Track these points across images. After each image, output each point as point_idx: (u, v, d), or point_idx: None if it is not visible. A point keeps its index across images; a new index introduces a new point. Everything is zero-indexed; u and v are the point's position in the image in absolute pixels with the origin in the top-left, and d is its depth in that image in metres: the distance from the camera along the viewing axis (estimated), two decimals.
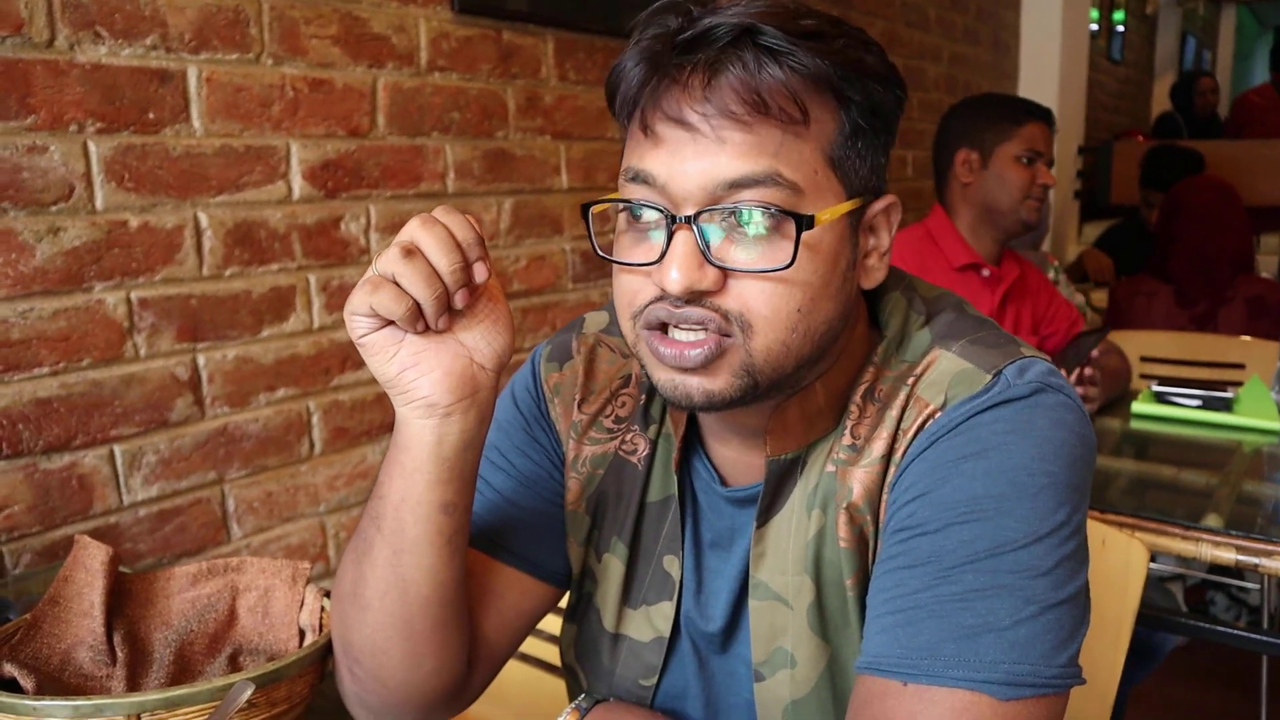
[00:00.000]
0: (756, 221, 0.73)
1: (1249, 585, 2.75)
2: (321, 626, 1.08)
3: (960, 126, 2.29)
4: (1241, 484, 1.77)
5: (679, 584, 0.92)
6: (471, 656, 0.91)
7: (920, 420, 0.78)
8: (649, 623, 0.93)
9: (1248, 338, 2.77)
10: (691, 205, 0.73)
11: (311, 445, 1.99)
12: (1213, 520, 1.58)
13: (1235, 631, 1.86)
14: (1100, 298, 3.75)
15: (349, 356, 2.02)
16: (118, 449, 1.66)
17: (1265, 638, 1.83)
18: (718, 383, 0.77)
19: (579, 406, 0.97)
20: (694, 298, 0.74)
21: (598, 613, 0.95)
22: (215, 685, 0.92)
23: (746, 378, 0.77)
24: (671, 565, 0.93)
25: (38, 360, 1.55)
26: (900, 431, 0.79)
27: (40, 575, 1.54)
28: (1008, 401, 0.74)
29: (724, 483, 0.92)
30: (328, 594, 1.12)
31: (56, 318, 1.56)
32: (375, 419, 2.10)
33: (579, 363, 0.97)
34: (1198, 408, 2.13)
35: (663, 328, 0.77)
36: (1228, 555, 1.52)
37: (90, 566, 1.10)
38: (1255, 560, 1.49)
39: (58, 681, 1.04)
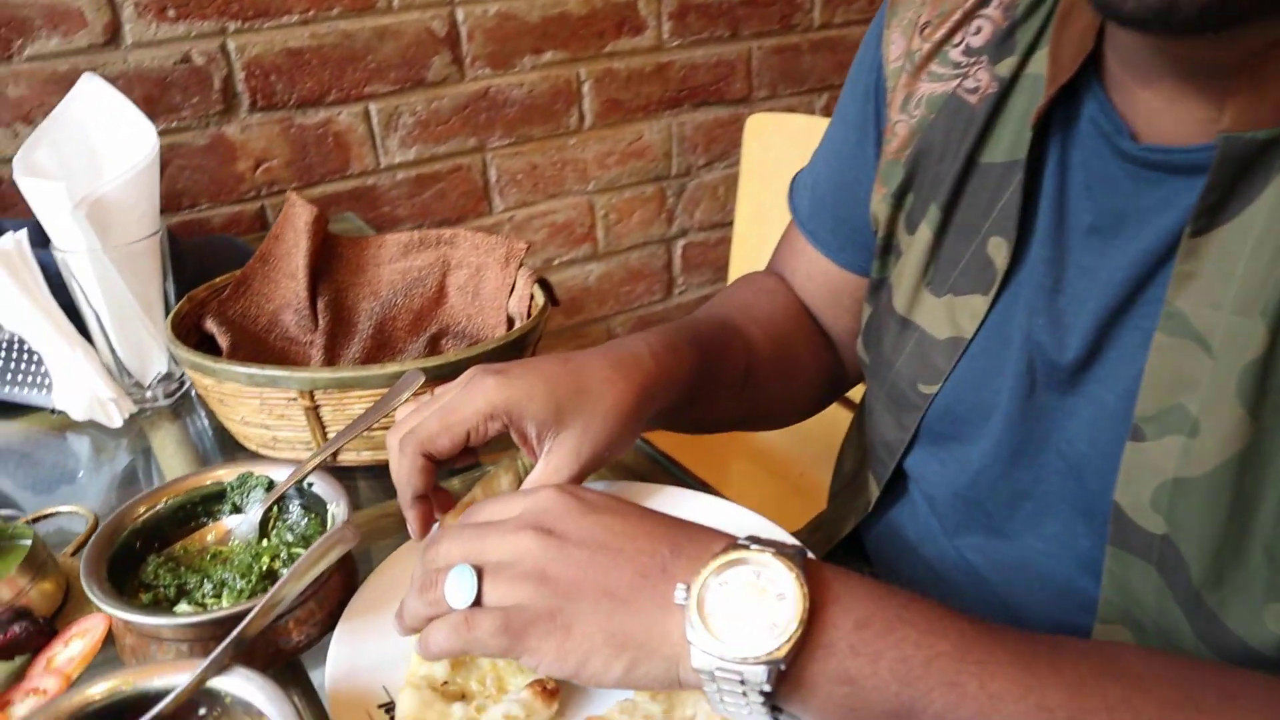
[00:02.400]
0: None
1: None
2: (530, 313, 0.95)
3: None
4: None
5: (1000, 276, 0.66)
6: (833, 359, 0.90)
7: None
8: (949, 317, 0.70)
9: None
10: None
11: (581, 117, 1.82)
12: None
13: None
14: None
15: (625, 20, 1.79)
16: (373, 107, 1.57)
17: None
18: None
19: (920, 31, 0.72)
20: None
21: (891, 291, 0.75)
22: (388, 371, 0.81)
23: None
24: (998, 250, 0.67)
25: (286, 7, 1.45)
26: None
27: None
28: None
29: (1135, 137, 0.61)
30: (540, 280, 0.98)
31: None
32: (654, 93, 1.89)
33: None
34: None
35: None
36: None
37: (297, 226, 1.02)
38: None
39: (262, 343, 0.99)
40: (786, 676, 0.49)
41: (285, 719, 0.53)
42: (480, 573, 0.55)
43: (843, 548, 0.92)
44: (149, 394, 1.00)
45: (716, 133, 1.98)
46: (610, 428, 0.67)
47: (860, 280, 0.85)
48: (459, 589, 0.55)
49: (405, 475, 0.66)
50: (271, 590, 0.57)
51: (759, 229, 1.76)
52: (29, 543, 0.72)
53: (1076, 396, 0.63)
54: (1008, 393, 0.67)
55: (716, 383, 0.79)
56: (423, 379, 0.79)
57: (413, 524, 0.68)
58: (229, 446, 0.94)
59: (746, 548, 0.52)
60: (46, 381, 0.98)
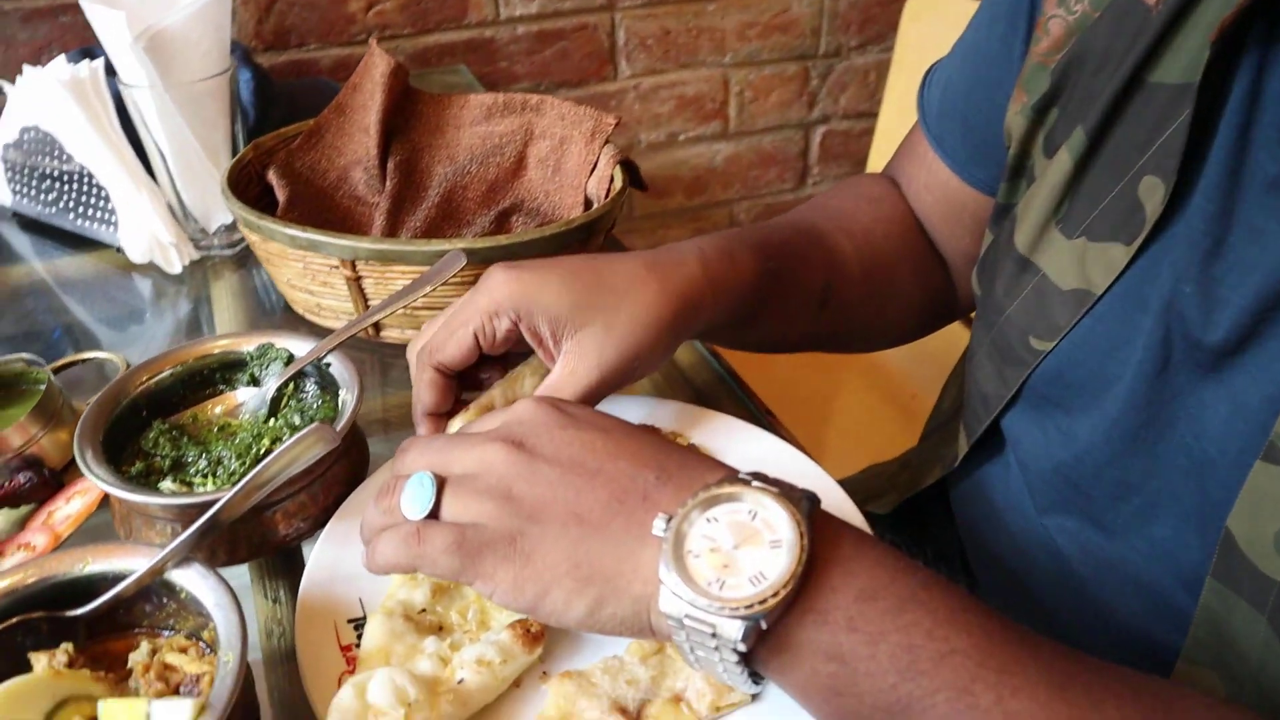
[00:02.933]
0: None
1: None
2: (609, 194, 0.85)
3: None
4: None
5: (1149, 225, 0.53)
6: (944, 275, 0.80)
7: None
8: (1078, 264, 0.58)
9: None
10: None
11: None
12: None
13: None
14: None
15: None
16: None
17: None
18: None
19: None
20: None
21: (1015, 223, 0.63)
22: (431, 248, 0.75)
23: None
24: (1151, 193, 0.53)
25: None
26: None
27: None
28: None
29: None
30: (624, 161, 0.88)
31: None
32: None
33: None
34: None
35: None
36: None
37: (374, 77, 0.95)
38: None
39: (327, 199, 0.93)
40: (767, 638, 0.41)
41: (226, 633, 0.48)
42: (442, 485, 0.49)
43: (927, 498, 0.82)
44: (213, 242, 0.97)
45: (874, 11, 1.80)
46: (638, 333, 0.58)
47: (985, 200, 0.72)
48: (414, 498, 0.49)
49: (416, 391, 0.60)
50: (234, 489, 0.52)
51: (907, 123, 1.59)
52: (44, 388, 0.69)
53: (1216, 386, 0.50)
54: (1134, 366, 0.55)
55: (786, 298, 0.69)
56: (464, 261, 0.72)
57: (418, 415, 0.62)
58: (289, 307, 0.89)
59: (746, 483, 0.44)
60: (113, 219, 0.95)
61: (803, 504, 0.42)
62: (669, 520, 0.43)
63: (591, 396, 0.58)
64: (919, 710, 0.40)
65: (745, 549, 0.42)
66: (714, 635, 0.41)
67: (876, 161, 1.55)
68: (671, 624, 0.42)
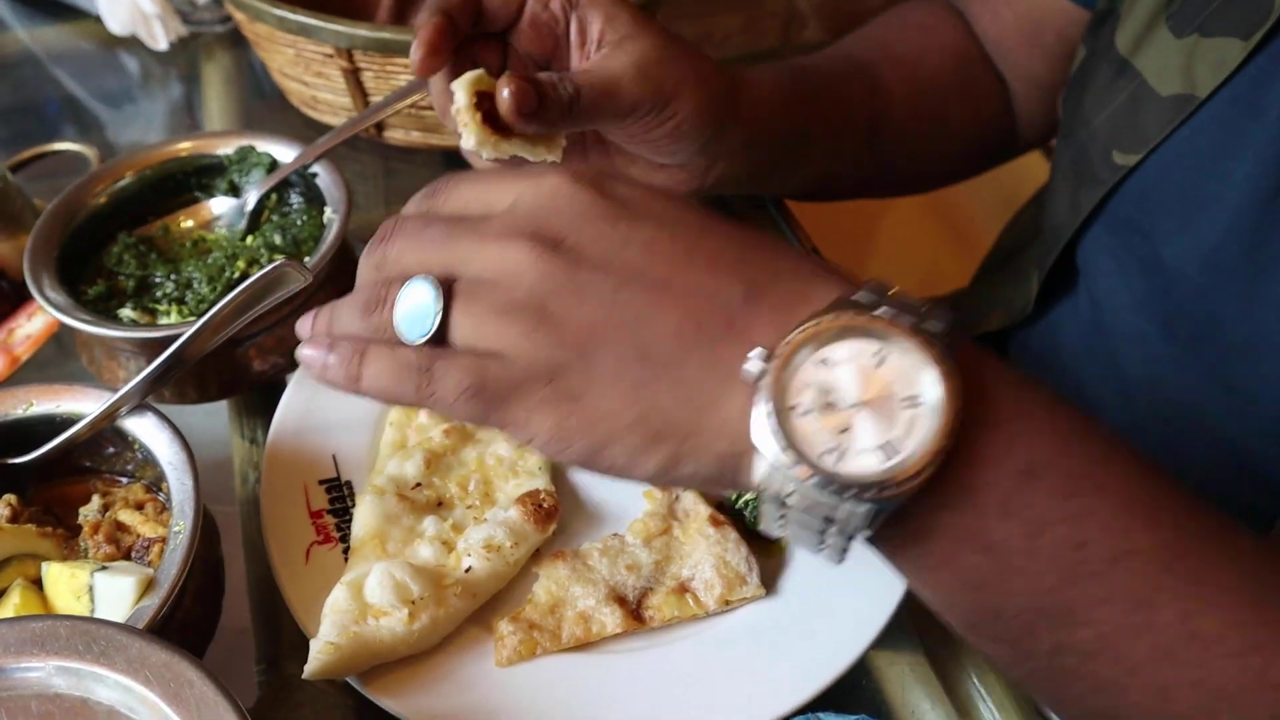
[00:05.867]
0: None
1: None
2: None
3: None
4: None
5: (1275, 17, 0.45)
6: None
7: None
8: (1183, 66, 0.49)
9: None
10: None
11: None
12: None
13: None
14: None
15: None
16: None
17: None
18: None
19: None
20: None
21: (1117, 22, 0.54)
22: None
23: None
24: None
25: None
26: None
27: None
28: None
29: None
30: None
31: None
32: None
33: None
34: None
35: None
36: None
37: None
38: None
39: None
40: (896, 523, 0.32)
41: (179, 498, 0.43)
42: (449, 292, 0.35)
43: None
44: (204, 16, 0.86)
45: None
46: (684, 68, 0.50)
47: (1074, 14, 0.62)
48: (414, 315, 0.35)
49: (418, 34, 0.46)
50: (193, 328, 0.45)
51: None
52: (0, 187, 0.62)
53: None
54: (1239, 187, 0.47)
55: (831, 129, 0.61)
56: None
57: (415, 49, 0.45)
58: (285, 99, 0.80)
59: (869, 308, 0.31)
60: None
61: (944, 339, 0.31)
62: (765, 360, 0.32)
63: (618, 101, 0.48)
64: (1080, 621, 0.31)
65: (873, 405, 0.31)
66: (829, 520, 0.31)
67: None
68: (767, 502, 0.32)
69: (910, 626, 0.48)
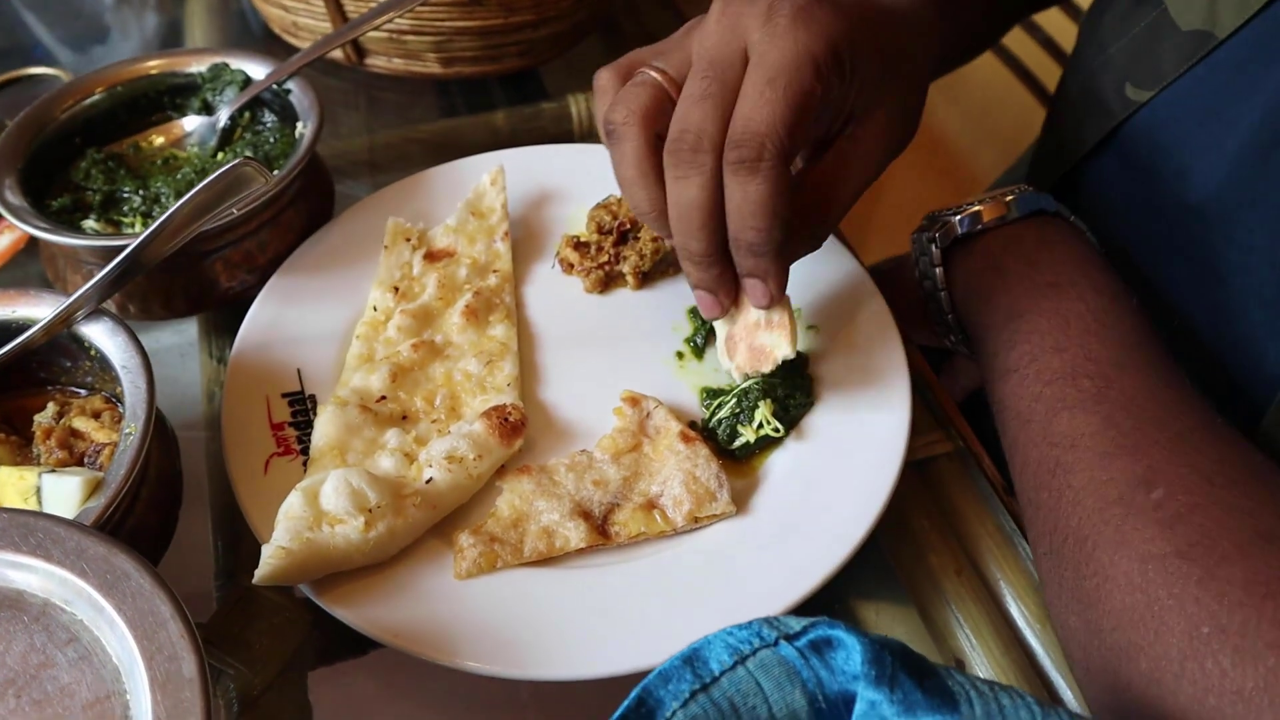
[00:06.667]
0: None
1: None
2: None
3: None
4: None
5: None
6: None
7: None
8: (1207, 4, 0.48)
9: None
10: None
11: None
12: None
13: None
14: None
15: None
16: None
17: None
18: None
19: None
20: None
21: None
22: None
23: None
24: None
25: None
26: None
27: None
28: None
29: None
30: None
31: None
32: None
33: None
34: None
35: None
36: None
37: None
38: None
39: None
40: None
41: (132, 400, 0.42)
42: None
43: None
44: None
45: None
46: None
47: None
48: None
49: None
50: (149, 229, 0.44)
51: None
52: None
53: None
54: (1251, 128, 0.45)
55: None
56: None
57: (704, 297, 0.45)
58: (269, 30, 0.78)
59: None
60: None
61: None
62: None
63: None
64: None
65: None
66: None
67: None
68: None
69: (900, 580, 0.46)
